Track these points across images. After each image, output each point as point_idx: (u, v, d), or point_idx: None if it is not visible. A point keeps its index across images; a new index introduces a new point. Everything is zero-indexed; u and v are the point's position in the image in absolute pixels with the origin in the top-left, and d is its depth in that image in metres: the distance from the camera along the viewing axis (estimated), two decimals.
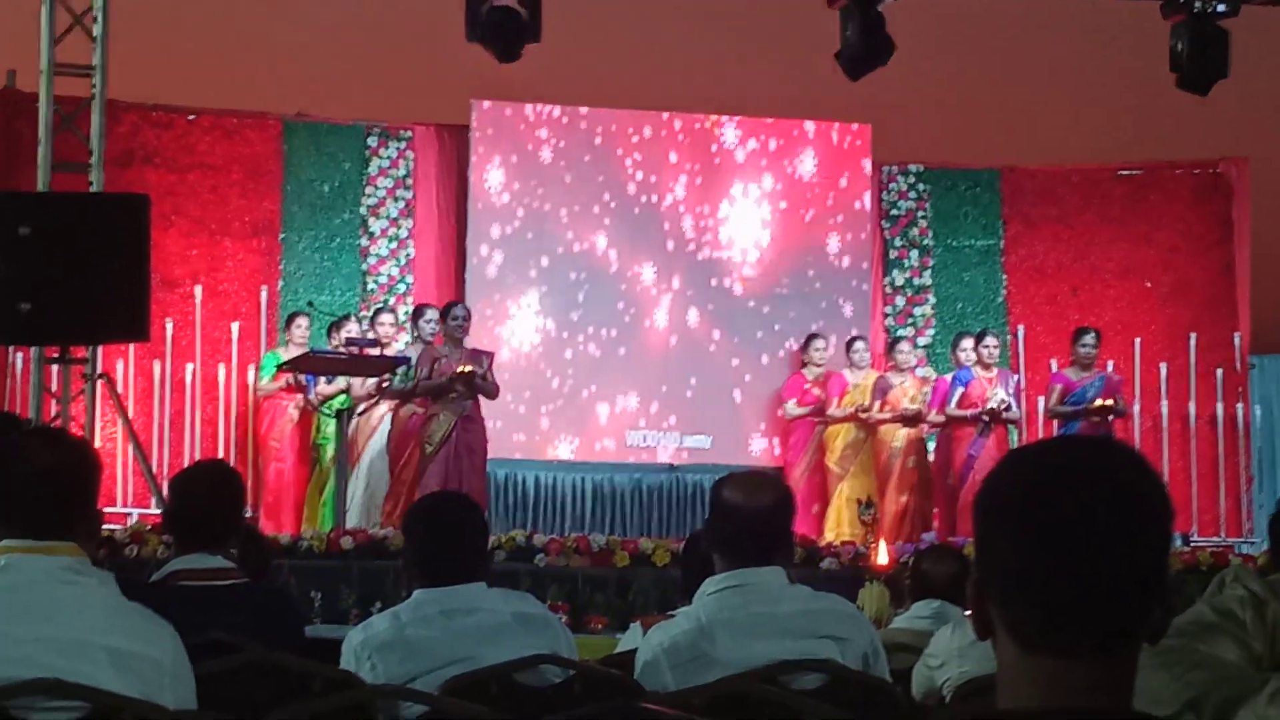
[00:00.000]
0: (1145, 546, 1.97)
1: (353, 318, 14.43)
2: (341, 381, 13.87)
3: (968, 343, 14.72)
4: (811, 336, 15.43)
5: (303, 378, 14.06)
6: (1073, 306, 16.50)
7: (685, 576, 5.85)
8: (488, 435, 13.57)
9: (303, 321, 14.25)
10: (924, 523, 14.58)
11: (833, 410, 14.91)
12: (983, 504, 2.03)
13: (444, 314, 13.55)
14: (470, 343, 13.84)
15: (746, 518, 4.47)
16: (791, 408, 15.28)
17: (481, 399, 13.42)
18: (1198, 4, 13.22)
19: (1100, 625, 1.95)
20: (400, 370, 13.34)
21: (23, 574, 3.29)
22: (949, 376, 14.75)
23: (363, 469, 13.79)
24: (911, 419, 14.62)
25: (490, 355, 13.61)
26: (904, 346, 15.17)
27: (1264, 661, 2.84)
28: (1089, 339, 14.50)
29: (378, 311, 14.47)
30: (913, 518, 14.62)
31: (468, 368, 13.18)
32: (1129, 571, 1.95)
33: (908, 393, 14.72)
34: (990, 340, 14.65)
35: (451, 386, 13.13)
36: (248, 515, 13.59)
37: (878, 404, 14.77)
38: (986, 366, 14.51)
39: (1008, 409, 14.42)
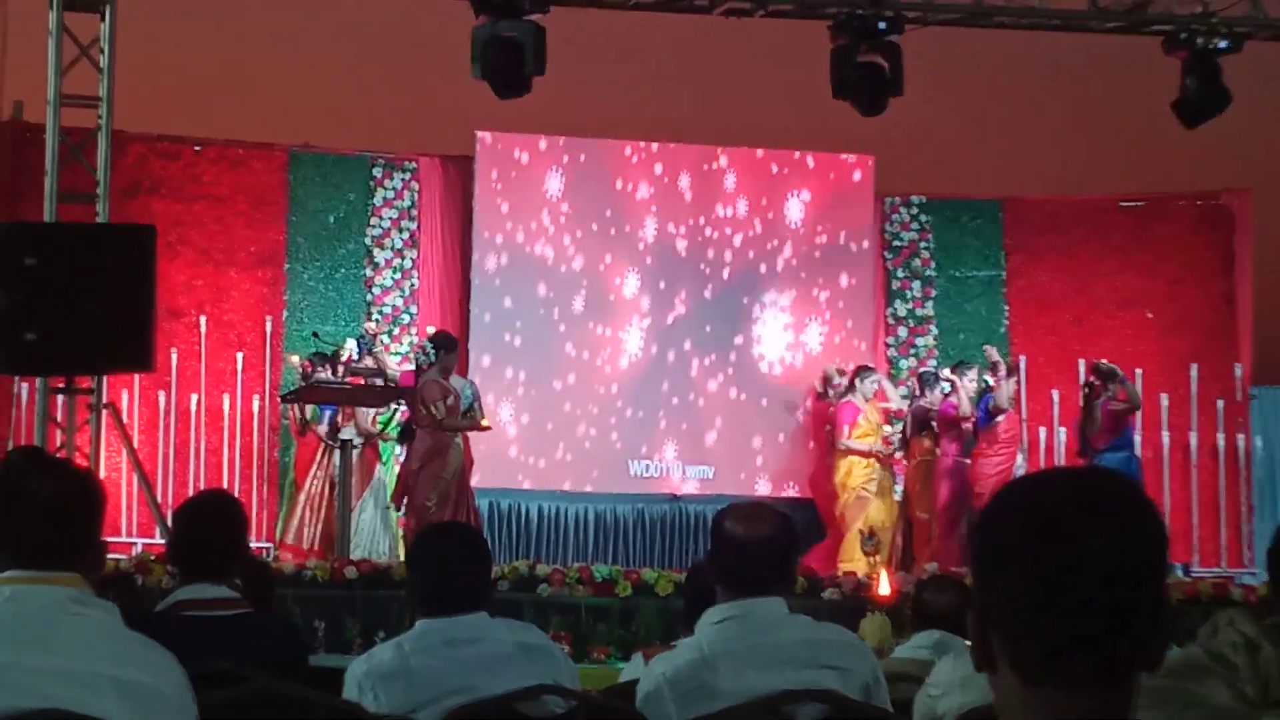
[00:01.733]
0: (1147, 578, 1.98)
1: (343, 346, 14.40)
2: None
3: (974, 373, 14.86)
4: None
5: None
6: (1074, 337, 16.52)
7: (687, 607, 5.85)
8: (488, 465, 13.72)
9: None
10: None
11: (845, 440, 15.00)
12: (982, 538, 2.03)
13: (451, 346, 13.59)
14: (472, 374, 13.93)
15: (747, 548, 4.48)
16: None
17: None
18: (1199, 40, 13.28)
19: (1104, 658, 1.96)
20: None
21: (27, 605, 3.30)
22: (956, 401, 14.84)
23: (376, 498, 13.82)
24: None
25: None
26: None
27: (1256, 706, 2.85)
28: None
29: (367, 339, 14.46)
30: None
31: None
32: (1133, 603, 1.96)
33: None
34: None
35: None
36: (261, 547, 13.72)
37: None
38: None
39: None
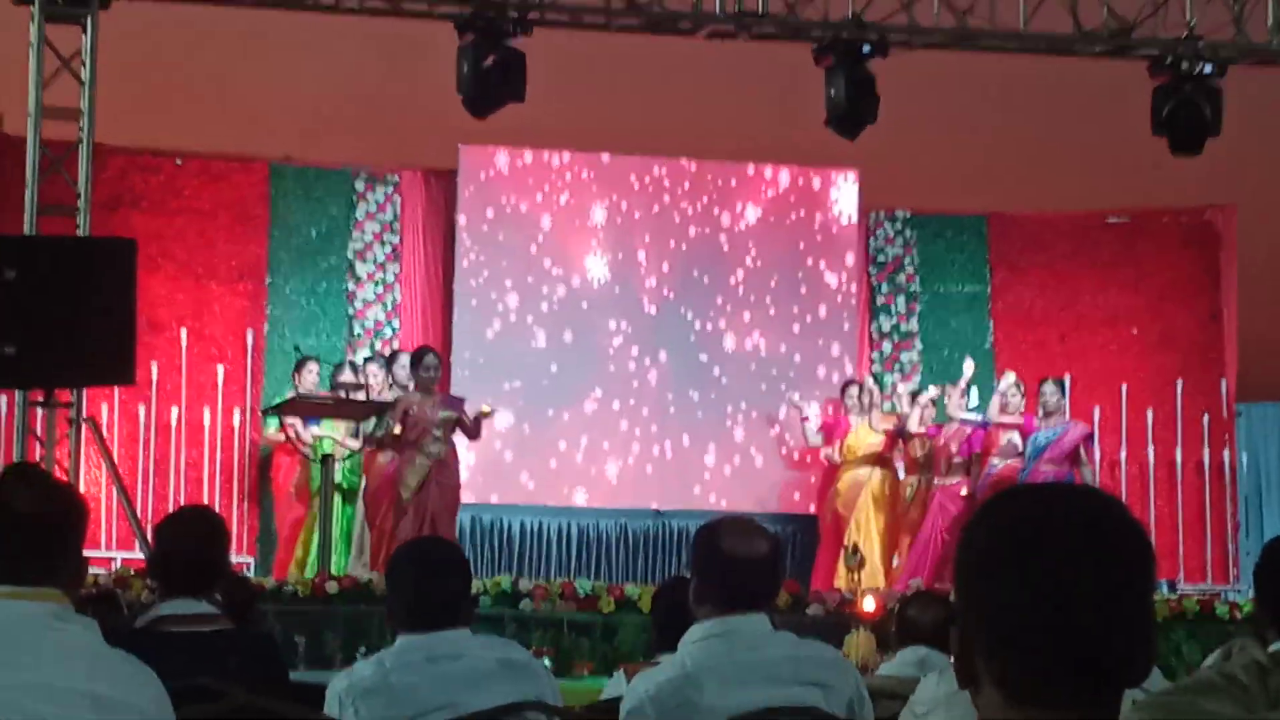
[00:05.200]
0: (1133, 596, 1.96)
1: (347, 364, 14.40)
2: (326, 427, 13.88)
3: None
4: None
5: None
6: (1059, 353, 16.51)
7: (658, 627, 5.84)
8: (466, 480, 13.67)
9: (314, 367, 14.18)
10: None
11: (830, 452, 15.21)
12: (968, 555, 2.01)
13: (415, 362, 13.49)
14: (454, 388, 13.87)
15: (745, 565, 4.45)
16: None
17: (458, 445, 13.45)
18: (1184, 64, 13.30)
19: (1088, 676, 1.94)
20: (374, 418, 13.38)
21: (6, 620, 3.27)
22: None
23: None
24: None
25: (462, 401, 13.60)
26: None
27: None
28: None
29: (367, 360, 14.48)
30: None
31: (487, 409, 13.29)
32: (1119, 622, 1.95)
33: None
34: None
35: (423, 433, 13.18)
36: (241, 562, 13.70)
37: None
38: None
39: None
